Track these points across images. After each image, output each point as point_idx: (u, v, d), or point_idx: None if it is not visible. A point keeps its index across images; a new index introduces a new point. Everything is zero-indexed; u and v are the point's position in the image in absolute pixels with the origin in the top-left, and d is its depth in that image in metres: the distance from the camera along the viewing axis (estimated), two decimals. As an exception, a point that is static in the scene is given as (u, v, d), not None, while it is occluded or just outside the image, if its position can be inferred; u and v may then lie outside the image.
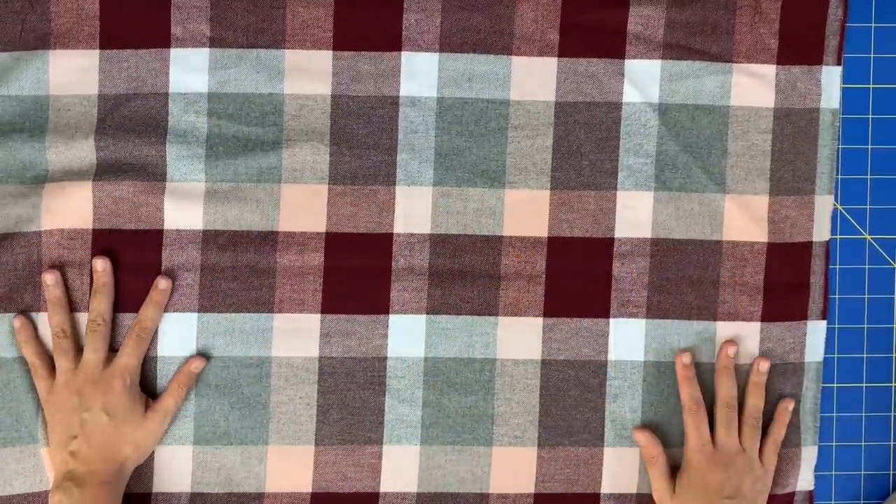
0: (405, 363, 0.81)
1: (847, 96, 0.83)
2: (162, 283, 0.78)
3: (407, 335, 0.80)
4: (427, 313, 0.81)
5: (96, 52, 0.79)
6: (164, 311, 0.79)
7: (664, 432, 0.81)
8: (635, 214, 0.81)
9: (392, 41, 0.80)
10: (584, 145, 0.81)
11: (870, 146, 0.84)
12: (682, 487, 0.78)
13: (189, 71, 0.79)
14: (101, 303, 0.77)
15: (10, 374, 0.79)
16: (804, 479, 0.83)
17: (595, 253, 0.81)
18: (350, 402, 0.80)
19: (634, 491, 0.82)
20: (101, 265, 0.77)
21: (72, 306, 0.78)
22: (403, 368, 0.80)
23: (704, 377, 0.82)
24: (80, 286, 0.78)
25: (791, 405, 0.81)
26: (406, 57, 0.80)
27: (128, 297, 0.79)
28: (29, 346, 0.77)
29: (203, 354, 0.79)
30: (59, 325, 0.77)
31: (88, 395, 0.75)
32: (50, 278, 0.77)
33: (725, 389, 0.79)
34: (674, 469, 0.80)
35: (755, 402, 0.80)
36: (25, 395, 0.79)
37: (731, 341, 0.80)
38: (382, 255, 0.80)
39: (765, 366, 0.80)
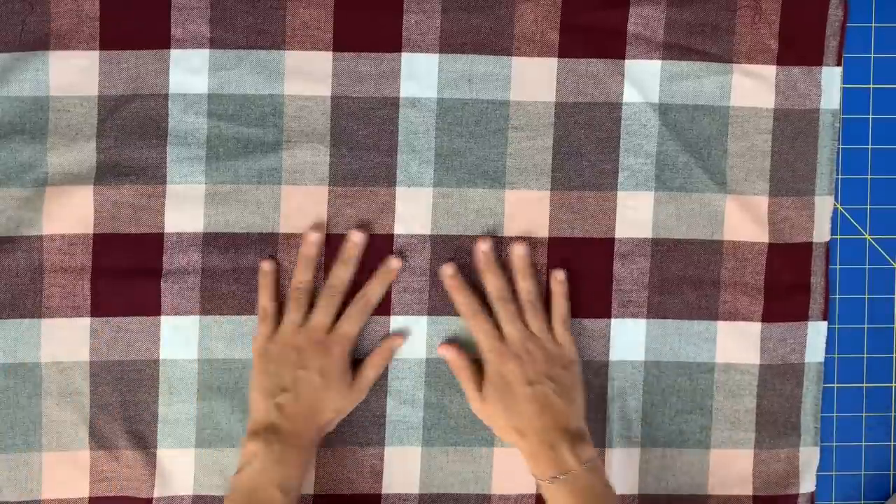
0: (406, 364, 0.81)
1: (847, 96, 0.83)
2: (393, 263, 0.80)
3: (408, 336, 0.80)
4: (428, 314, 0.81)
5: (96, 52, 0.78)
6: (163, 315, 0.79)
7: (666, 431, 0.82)
8: (636, 214, 0.81)
9: (392, 42, 0.80)
10: (585, 146, 0.81)
11: (870, 146, 0.84)
12: (487, 389, 0.77)
13: (189, 72, 0.79)
14: (345, 272, 0.79)
15: (7, 381, 0.79)
16: (805, 481, 0.83)
17: (596, 253, 0.81)
18: (351, 403, 0.80)
19: (636, 492, 0.82)
20: (359, 238, 0.79)
21: (74, 311, 0.78)
22: (405, 370, 0.80)
23: (702, 377, 0.82)
24: (81, 291, 0.78)
25: (561, 275, 0.80)
26: (406, 58, 0.80)
27: (129, 301, 0.79)
28: (267, 290, 0.78)
29: (205, 358, 0.79)
30: (304, 282, 0.78)
31: (308, 354, 0.76)
32: (314, 237, 0.79)
33: (493, 284, 0.79)
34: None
35: (525, 285, 0.79)
36: (27, 401, 0.79)
37: (483, 238, 0.80)
38: (383, 256, 0.80)
39: (520, 248, 0.80)
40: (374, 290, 0.79)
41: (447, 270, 0.80)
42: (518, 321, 0.78)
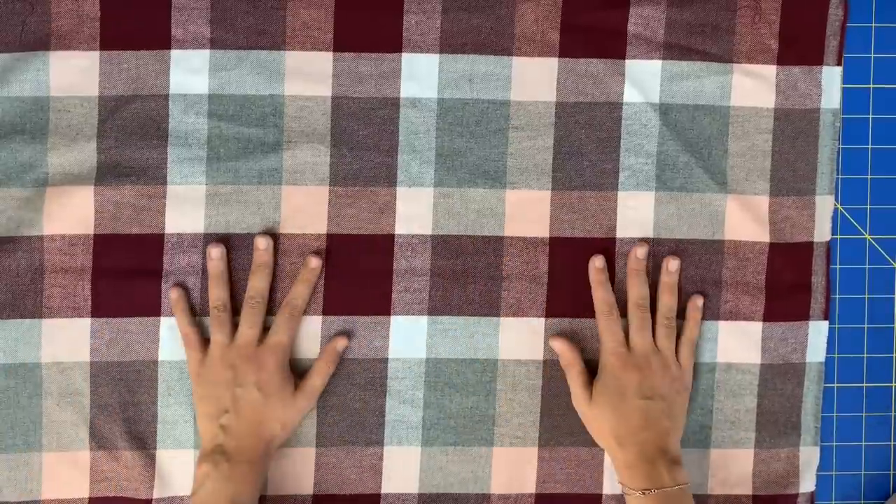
0: (406, 364, 0.81)
1: (847, 96, 0.83)
2: (313, 262, 0.78)
3: (408, 336, 0.80)
4: (429, 314, 0.81)
5: (97, 53, 0.78)
6: (163, 316, 0.79)
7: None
8: (637, 214, 0.81)
9: (392, 42, 0.80)
10: (585, 145, 0.81)
11: (870, 146, 0.84)
12: (599, 391, 0.78)
13: (189, 72, 0.79)
14: (261, 280, 0.78)
15: (8, 381, 0.79)
16: (805, 481, 0.83)
17: (596, 253, 0.81)
18: (351, 403, 0.80)
19: (636, 492, 0.82)
20: (264, 243, 0.78)
21: (74, 312, 0.78)
22: (405, 370, 0.80)
23: (703, 376, 0.82)
24: (81, 291, 0.78)
25: (700, 301, 0.81)
26: (406, 58, 0.80)
27: (129, 302, 0.79)
28: (183, 317, 0.78)
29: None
30: (220, 300, 0.77)
31: (242, 371, 0.75)
32: (215, 252, 0.77)
33: (636, 291, 0.80)
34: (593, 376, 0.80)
35: (668, 301, 0.80)
36: (27, 402, 0.79)
37: (640, 243, 0.80)
38: (384, 256, 0.80)
39: (674, 264, 0.80)
40: (298, 294, 0.78)
41: (597, 263, 0.80)
42: (649, 333, 0.79)
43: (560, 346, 0.80)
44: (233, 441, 0.74)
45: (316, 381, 0.78)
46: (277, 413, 0.76)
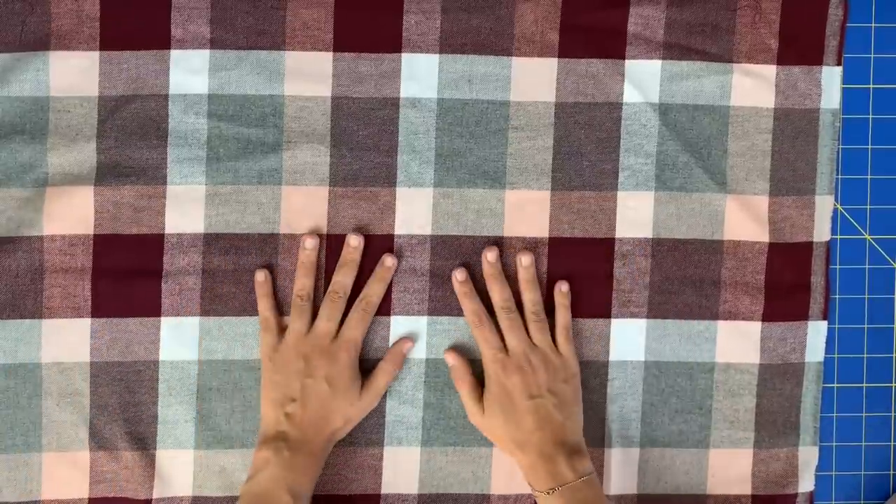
0: (406, 364, 0.81)
1: (847, 96, 0.83)
2: (388, 261, 0.79)
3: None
4: (428, 314, 0.81)
5: (96, 53, 0.78)
6: (164, 316, 0.79)
7: (665, 431, 0.82)
8: (636, 214, 0.81)
9: (392, 43, 0.80)
10: (585, 146, 0.81)
11: (870, 146, 0.84)
12: (489, 402, 0.78)
13: (189, 72, 0.79)
14: (346, 276, 0.79)
15: (8, 381, 0.79)
16: (804, 480, 0.83)
17: (596, 253, 0.81)
18: (351, 403, 0.80)
19: (635, 492, 0.82)
20: (356, 241, 0.79)
21: (74, 312, 0.79)
22: (405, 370, 0.80)
23: (702, 377, 0.82)
24: (81, 292, 0.78)
25: (565, 286, 0.80)
26: (406, 58, 0.80)
27: (129, 302, 0.79)
28: (266, 301, 0.79)
29: (205, 359, 0.79)
30: (306, 289, 0.78)
31: (315, 363, 0.76)
32: (310, 242, 0.78)
33: (497, 294, 0.79)
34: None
35: (531, 296, 0.80)
36: (27, 402, 0.79)
37: (489, 248, 0.80)
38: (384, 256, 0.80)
39: (527, 259, 0.80)
40: (374, 291, 0.79)
41: (458, 276, 0.80)
42: (521, 332, 0.79)
43: (451, 360, 0.80)
44: (297, 431, 0.75)
45: (381, 381, 0.79)
46: (342, 408, 0.76)
